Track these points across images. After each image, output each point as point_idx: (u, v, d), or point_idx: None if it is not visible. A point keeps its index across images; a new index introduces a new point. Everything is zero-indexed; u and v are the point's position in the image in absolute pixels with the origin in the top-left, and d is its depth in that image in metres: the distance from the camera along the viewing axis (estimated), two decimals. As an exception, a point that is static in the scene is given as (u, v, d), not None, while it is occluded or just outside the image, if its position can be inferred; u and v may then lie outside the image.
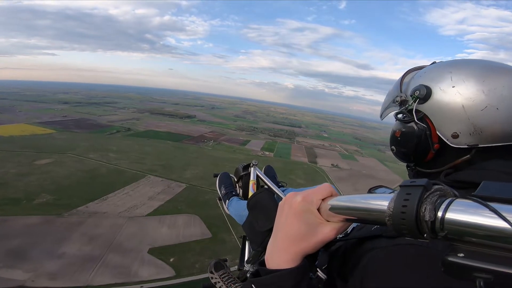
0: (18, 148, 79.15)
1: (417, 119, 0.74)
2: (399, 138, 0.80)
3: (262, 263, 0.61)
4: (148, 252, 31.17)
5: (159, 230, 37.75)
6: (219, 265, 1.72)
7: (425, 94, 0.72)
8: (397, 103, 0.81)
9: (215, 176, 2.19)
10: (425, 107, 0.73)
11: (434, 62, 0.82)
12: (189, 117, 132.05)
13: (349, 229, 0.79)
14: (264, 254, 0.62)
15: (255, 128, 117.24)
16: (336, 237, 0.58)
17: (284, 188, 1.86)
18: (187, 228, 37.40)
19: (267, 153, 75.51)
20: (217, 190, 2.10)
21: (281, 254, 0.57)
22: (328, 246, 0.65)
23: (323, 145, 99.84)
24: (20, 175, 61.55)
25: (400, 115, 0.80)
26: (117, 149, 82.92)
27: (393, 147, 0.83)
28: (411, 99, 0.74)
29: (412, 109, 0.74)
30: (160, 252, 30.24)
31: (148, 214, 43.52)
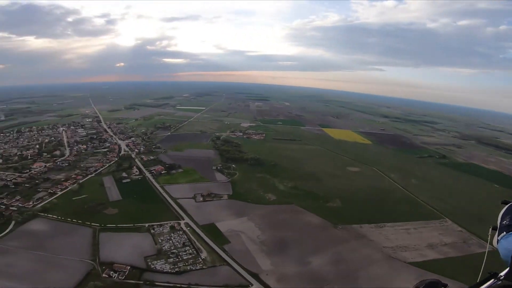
0: (341, 152, 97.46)
1: None
2: None
3: None
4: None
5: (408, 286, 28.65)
6: None
7: None
8: None
9: (504, 203, 2.05)
10: None
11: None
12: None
13: None
14: None
15: None
16: None
17: None
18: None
19: None
20: (497, 218, 2.00)
21: None
22: None
23: None
24: (332, 176, 74.68)
25: None
26: (422, 176, 75.14)
27: None
28: None
29: None
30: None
31: (411, 263, 35.27)
